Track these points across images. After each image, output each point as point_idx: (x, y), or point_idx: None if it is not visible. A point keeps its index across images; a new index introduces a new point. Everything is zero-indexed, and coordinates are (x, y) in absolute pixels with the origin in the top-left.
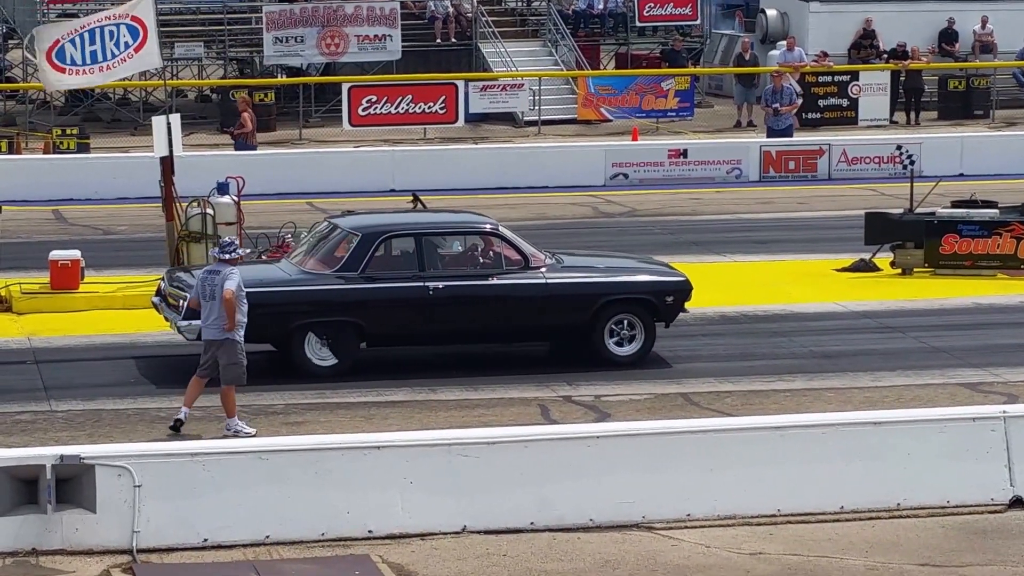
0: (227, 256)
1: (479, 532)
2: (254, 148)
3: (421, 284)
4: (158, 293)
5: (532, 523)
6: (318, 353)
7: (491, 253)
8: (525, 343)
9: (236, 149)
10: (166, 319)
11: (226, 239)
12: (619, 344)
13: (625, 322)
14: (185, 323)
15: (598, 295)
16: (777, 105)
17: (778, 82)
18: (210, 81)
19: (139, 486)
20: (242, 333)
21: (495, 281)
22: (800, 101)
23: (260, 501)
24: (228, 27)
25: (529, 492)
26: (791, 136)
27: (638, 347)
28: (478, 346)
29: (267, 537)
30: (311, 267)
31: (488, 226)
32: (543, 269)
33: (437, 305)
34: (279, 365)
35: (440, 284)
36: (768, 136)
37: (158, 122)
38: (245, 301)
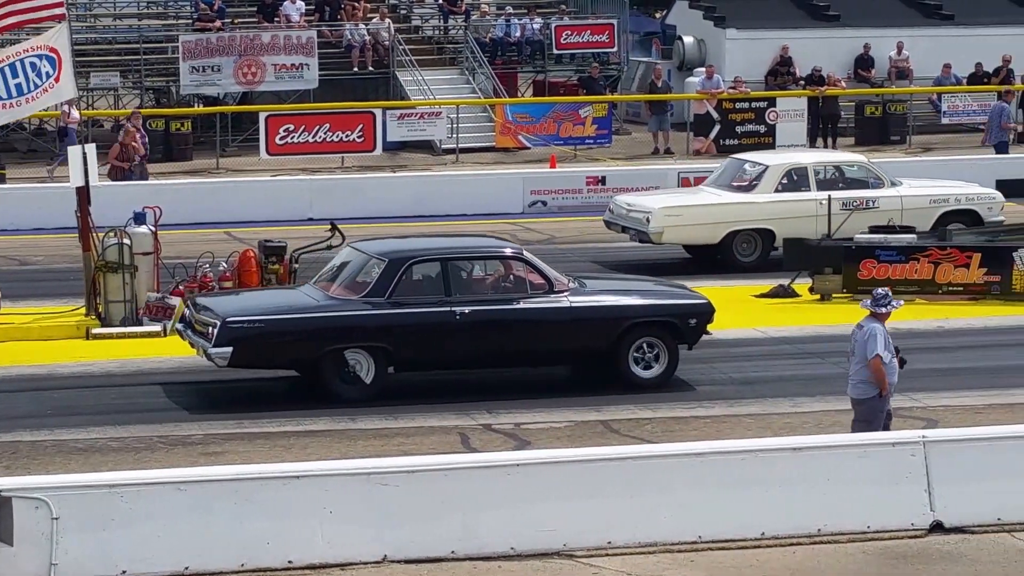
0: (879, 309)
1: (399, 562)
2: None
3: (448, 309)
4: (182, 320)
5: (453, 552)
6: (346, 379)
7: (516, 277)
8: (546, 366)
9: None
10: (192, 345)
11: (880, 290)
12: (643, 367)
13: (649, 345)
14: (216, 350)
15: (623, 318)
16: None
17: (1010, 97)
18: (126, 111)
19: (57, 518)
20: (886, 394)
21: (521, 305)
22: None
23: (179, 532)
24: (144, 56)
25: (450, 521)
26: (1007, 152)
27: (662, 370)
28: (396, 376)
29: (186, 568)
30: (337, 293)
31: (513, 251)
32: (567, 293)
33: (464, 330)
34: (199, 396)
35: (466, 309)
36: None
37: (74, 152)
38: (888, 362)
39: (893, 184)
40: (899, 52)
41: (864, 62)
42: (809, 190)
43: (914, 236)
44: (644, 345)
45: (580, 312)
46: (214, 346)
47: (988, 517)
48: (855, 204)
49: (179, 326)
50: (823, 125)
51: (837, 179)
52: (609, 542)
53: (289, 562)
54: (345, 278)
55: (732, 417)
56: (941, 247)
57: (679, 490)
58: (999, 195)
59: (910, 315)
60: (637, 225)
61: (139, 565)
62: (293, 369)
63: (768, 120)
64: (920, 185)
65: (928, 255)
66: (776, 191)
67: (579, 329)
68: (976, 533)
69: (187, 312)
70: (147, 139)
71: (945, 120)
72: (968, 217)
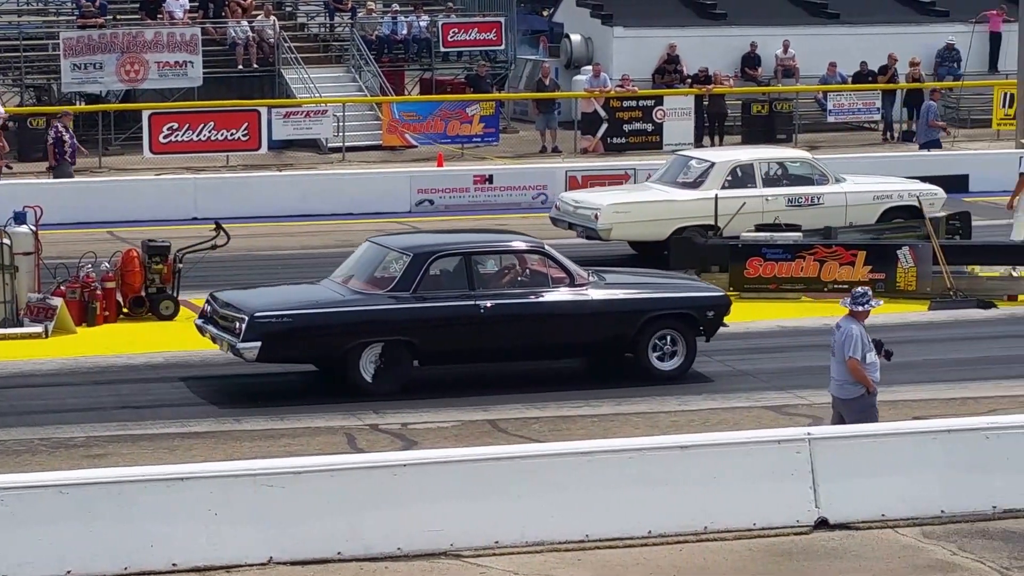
0: (856, 308)
1: (285, 563)
2: None
3: (472, 303)
4: (201, 315)
5: (339, 553)
6: (372, 372)
7: (538, 271)
8: (568, 359)
9: None
10: (213, 340)
11: (860, 289)
12: (661, 359)
13: (668, 337)
14: (245, 345)
15: (643, 311)
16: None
17: (936, 96)
18: (6, 108)
19: None
20: (874, 392)
21: (543, 299)
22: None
23: (62, 536)
24: (24, 54)
25: (337, 522)
26: (940, 148)
27: (680, 361)
28: (282, 376)
29: (68, 572)
30: (360, 287)
31: (534, 245)
32: (587, 286)
33: (488, 323)
34: (81, 398)
35: (490, 303)
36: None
37: None
38: (870, 361)
39: (837, 180)
40: (785, 51)
41: (751, 61)
42: (755, 187)
43: (799, 234)
44: (664, 337)
45: (601, 305)
46: (242, 341)
47: (872, 513)
48: (801, 201)
49: (199, 321)
50: (710, 123)
51: (782, 176)
52: (496, 542)
53: (173, 565)
54: (367, 273)
55: (619, 416)
56: (827, 245)
57: (566, 489)
58: (940, 191)
59: (796, 313)
60: (584, 222)
61: (20, 570)
62: (318, 364)
63: (655, 119)
64: (863, 182)
65: (814, 253)
66: (723, 188)
67: (600, 322)
68: (860, 529)
69: (207, 307)
70: (76, 139)
71: (831, 118)
72: (910, 212)
